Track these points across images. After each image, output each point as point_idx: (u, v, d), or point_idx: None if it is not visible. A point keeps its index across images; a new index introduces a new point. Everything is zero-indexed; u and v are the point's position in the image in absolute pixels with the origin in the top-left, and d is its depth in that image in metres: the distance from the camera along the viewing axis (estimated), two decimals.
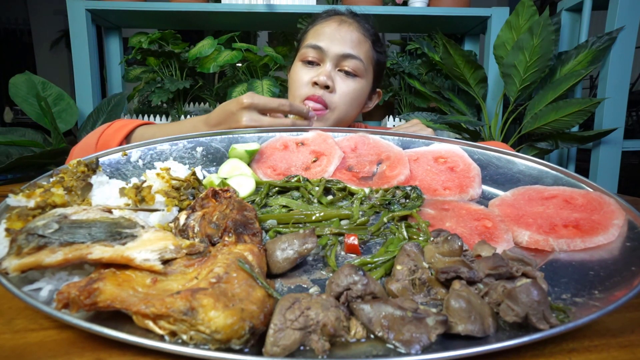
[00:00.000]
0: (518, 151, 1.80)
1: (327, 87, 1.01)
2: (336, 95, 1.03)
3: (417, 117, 2.22)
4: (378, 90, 1.21)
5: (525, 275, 0.42)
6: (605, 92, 1.92)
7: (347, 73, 1.04)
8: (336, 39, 1.03)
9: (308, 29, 1.12)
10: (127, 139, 0.92)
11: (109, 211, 0.49)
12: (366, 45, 1.07)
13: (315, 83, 1.01)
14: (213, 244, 0.48)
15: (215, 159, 0.81)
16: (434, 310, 0.38)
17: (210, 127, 0.88)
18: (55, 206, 0.52)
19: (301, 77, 1.04)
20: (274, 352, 0.33)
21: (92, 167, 0.64)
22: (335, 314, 0.36)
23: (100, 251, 0.41)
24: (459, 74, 2.12)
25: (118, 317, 0.37)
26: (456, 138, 0.95)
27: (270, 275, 0.47)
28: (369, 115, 2.59)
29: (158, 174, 0.62)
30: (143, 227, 0.47)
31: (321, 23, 1.09)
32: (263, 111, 0.85)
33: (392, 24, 2.44)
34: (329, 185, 0.70)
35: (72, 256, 0.40)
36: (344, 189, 0.69)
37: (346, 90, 1.03)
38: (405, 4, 2.27)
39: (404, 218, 0.62)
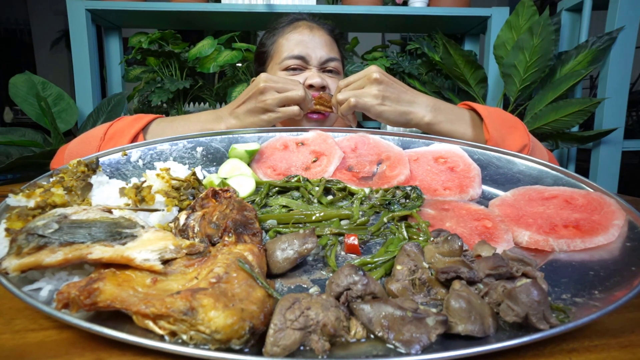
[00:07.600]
0: None
1: (323, 88, 1.07)
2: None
3: None
4: None
5: (525, 275, 0.42)
6: (605, 92, 1.92)
7: (331, 71, 1.14)
8: (314, 45, 1.11)
9: (276, 40, 1.17)
10: (143, 132, 0.92)
11: (109, 211, 0.49)
12: (335, 45, 1.19)
13: (311, 85, 1.06)
14: (213, 244, 0.48)
15: (215, 159, 0.81)
16: (434, 310, 0.38)
17: (233, 110, 0.90)
18: (55, 206, 0.52)
19: None
20: (274, 352, 0.33)
21: (92, 167, 0.64)
22: (335, 314, 0.36)
23: (100, 251, 0.41)
24: (459, 74, 2.12)
25: (118, 317, 0.37)
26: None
27: (270, 275, 0.47)
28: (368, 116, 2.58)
29: (158, 174, 0.62)
30: (143, 227, 0.47)
31: (291, 32, 1.15)
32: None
33: (392, 24, 2.43)
34: (329, 185, 0.70)
35: (72, 256, 0.40)
36: (344, 189, 0.69)
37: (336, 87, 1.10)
38: (405, 4, 2.27)
39: (404, 218, 0.62)
